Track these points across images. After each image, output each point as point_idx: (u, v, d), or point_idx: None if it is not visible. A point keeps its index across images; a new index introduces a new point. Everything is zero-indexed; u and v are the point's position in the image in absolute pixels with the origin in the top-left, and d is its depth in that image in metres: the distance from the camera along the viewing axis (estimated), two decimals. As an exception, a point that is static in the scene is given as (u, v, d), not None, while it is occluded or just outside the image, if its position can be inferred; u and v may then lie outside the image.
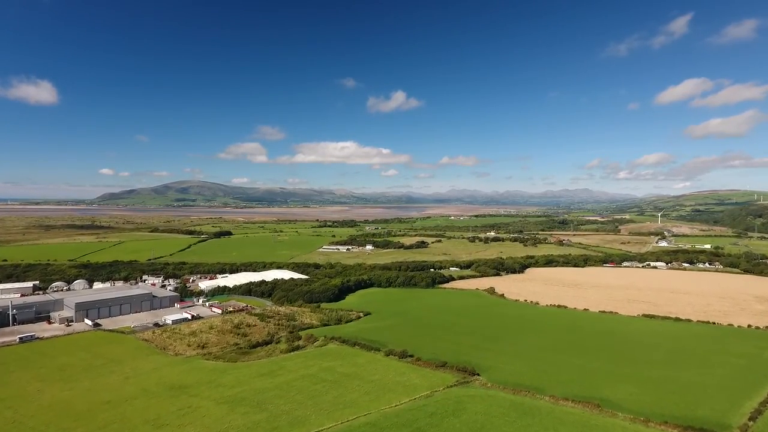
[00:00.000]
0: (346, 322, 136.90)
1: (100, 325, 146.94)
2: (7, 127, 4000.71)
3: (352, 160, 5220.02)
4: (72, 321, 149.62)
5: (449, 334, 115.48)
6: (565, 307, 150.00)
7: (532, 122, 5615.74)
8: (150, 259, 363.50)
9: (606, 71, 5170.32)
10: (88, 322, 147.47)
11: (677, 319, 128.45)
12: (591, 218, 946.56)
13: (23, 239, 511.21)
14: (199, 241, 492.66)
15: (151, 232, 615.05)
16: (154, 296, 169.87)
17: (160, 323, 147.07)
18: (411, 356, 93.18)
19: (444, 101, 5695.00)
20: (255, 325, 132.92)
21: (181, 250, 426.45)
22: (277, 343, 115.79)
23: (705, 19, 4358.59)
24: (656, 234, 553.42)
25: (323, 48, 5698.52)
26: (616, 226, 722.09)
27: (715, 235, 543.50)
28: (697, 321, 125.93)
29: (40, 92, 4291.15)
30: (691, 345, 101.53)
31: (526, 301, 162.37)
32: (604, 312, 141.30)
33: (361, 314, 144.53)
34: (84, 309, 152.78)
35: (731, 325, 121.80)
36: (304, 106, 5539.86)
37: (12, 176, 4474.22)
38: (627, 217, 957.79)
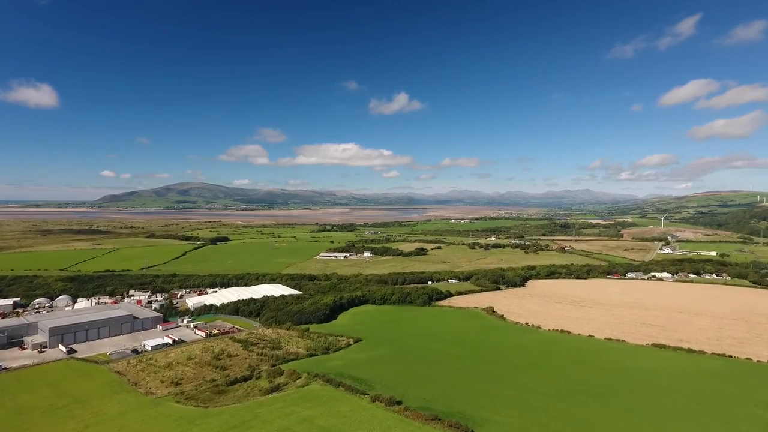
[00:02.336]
0: (335, 350, 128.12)
1: (75, 351, 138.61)
2: (7, 129, 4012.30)
3: (354, 162, 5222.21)
4: (46, 347, 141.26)
5: (443, 369, 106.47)
6: (569, 332, 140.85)
7: (534, 124, 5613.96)
8: (143, 268, 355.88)
9: (610, 73, 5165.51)
10: (62, 348, 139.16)
11: (690, 351, 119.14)
12: (593, 221, 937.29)
13: (18, 246, 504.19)
14: (195, 248, 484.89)
15: (148, 237, 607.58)
16: (135, 318, 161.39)
17: (139, 349, 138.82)
18: (399, 403, 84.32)
19: (446, 103, 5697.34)
20: (236, 355, 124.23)
21: (175, 258, 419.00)
22: (257, 378, 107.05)
23: (713, 20, 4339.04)
24: (660, 239, 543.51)
25: (326, 51, 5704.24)
26: (619, 230, 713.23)
27: (720, 241, 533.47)
28: (712, 353, 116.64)
29: (40, 95, 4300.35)
30: (709, 388, 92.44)
31: (527, 324, 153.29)
32: (610, 339, 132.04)
33: (351, 341, 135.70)
34: (59, 334, 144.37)
35: (749, 359, 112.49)
36: (305, 109, 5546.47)
37: (14, 178, 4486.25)
38: (629, 220, 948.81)
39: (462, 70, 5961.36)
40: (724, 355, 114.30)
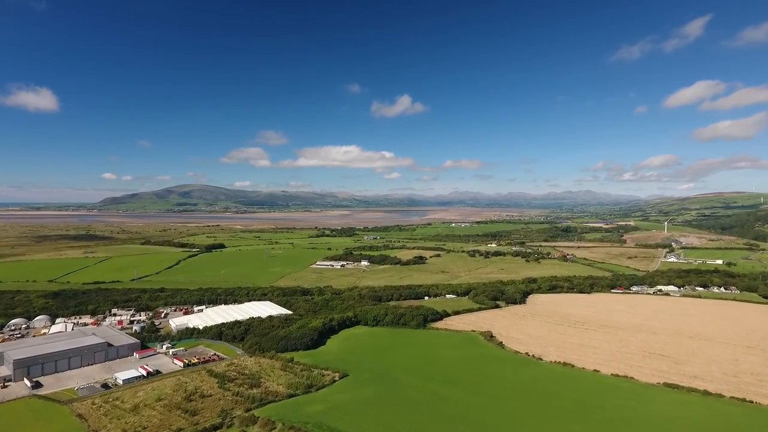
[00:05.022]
0: (318, 388, 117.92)
1: (41, 385, 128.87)
2: (8, 133, 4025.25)
3: (355, 164, 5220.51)
4: (10, 380, 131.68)
5: (434, 419, 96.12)
6: (572, 365, 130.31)
7: (537, 126, 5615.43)
8: (133, 279, 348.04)
9: (616, 75, 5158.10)
10: (26, 382, 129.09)
11: (706, 393, 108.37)
12: (595, 225, 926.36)
13: (10, 254, 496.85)
14: (190, 256, 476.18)
15: (143, 244, 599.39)
16: (109, 345, 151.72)
17: (110, 384, 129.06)
18: (380, 470, 74.43)
19: (449, 105, 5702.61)
20: (210, 395, 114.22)
21: (168, 268, 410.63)
22: (228, 427, 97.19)
23: (722, 21, 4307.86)
24: (664, 246, 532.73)
25: (328, 54, 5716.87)
26: (621, 235, 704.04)
27: (726, 247, 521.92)
28: (731, 397, 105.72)
29: (40, 99, 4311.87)
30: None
31: (527, 354, 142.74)
32: (617, 376, 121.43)
33: (337, 376, 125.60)
34: (25, 366, 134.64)
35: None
36: (307, 112, 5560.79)
37: (15, 181, 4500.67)
38: (632, 223, 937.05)
39: (465, 72, 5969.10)
40: (744, 400, 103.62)
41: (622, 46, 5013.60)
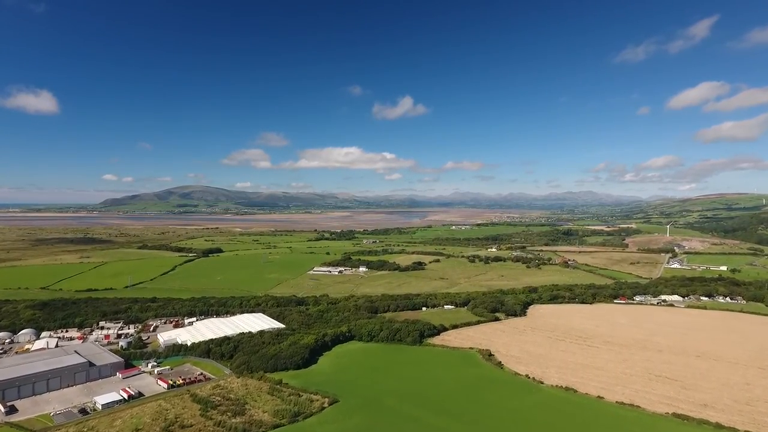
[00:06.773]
0: (305, 417, 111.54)
1: (17, 410, 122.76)
2: (8, 135, 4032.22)
3: (356, 165, 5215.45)
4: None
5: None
6: (575, 390, 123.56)
7: (539, 127, 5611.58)
8: (127, 286, 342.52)
9: (619, 75, 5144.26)
10: (0, 408, 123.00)
11: (718, 426, 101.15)
12: (597, 228, 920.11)
13: (5, 258, 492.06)
14: (186, 261, 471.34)
15: (140, 248, 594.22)
16: (91, 365, 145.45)
17: (89, 408, 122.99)
18: None
19: (451, 107, 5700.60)
20: (190, 426, 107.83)
21: (163, 274, 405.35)
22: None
23: (729, 22, 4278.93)
24: (666, 251, 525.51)
25: (330, 56, 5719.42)
26: (623, 239, 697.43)
27: (729, 252, 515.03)
28: (745, 431, 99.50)
29: (40, 102, 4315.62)
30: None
31: (527, 376, 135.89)
32: (623, 404, 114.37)
33: (326, 402, 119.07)
34: (0, 389, 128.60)
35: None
36: (308, 113, 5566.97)
37: (17, 182, 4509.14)
38: (633, 226, 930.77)
39: (468, 73, 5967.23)
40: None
41: (627, 47, 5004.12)
